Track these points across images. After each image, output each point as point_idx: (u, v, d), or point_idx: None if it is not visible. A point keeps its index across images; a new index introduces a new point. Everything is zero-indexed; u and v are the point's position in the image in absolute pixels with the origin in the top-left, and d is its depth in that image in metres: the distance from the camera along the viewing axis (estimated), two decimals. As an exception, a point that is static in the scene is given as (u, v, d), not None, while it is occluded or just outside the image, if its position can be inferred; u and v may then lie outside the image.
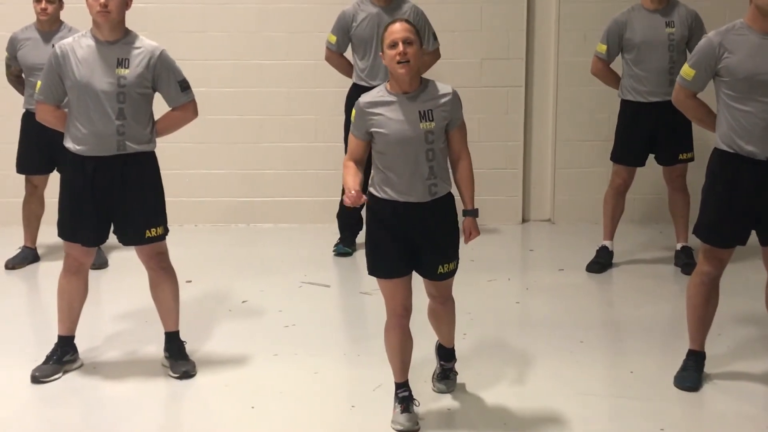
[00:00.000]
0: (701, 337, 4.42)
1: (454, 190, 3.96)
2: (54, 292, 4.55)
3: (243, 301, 5.57)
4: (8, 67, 6.07)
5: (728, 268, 4.35)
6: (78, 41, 4.31)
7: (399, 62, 3.75)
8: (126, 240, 4.48)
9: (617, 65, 6.05)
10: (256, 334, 5.05)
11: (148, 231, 4.40)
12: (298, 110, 7.15)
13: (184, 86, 4.43)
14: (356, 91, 5.83)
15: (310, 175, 7.19)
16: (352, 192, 3.69)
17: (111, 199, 4.35)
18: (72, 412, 4.28)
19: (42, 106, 4.41)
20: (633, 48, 5.86)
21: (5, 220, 6.84)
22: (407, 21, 3.86)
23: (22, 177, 6.21)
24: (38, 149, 5.93)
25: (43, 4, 5.83)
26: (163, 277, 4.53)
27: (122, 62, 4.26)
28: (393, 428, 3.96)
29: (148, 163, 4.42)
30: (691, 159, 5.99)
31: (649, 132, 5.91)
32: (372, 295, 5.45)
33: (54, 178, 5.65)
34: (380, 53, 3.88)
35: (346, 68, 6.35)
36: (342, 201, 6.48)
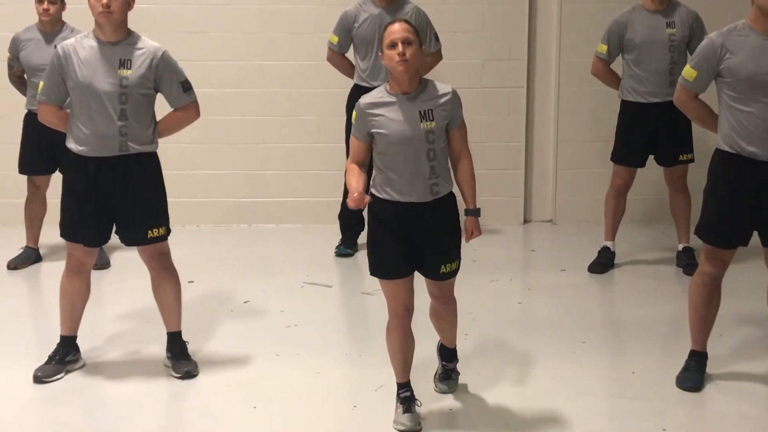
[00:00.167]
0: (703, 338, 4.42)
1: (455, 190, 3.96)
2: (56, 292, 4.56)
3: (245, 302, 5.57)
4: (10, 67, 6.08)
5: (730, 268, 4.35)
6: (80, 42, 4.32)
7: (398, 62, 3.76)
8: (128, 240, 4.49)
9: (617, 66, 6.05)
10: (257, 335, 5.06)
11: (150, 231, 4.41)
12: (300, 111, 7.15)
13: (186, 87, 4.44)
14: (357, 92, 5.83)
15: (312, 175, 7.19)
16: (356, 194, 3.69)
17: (113, 200, 4.35)
18: (74, 412, 4.29)
19: (44, 106, 4.42)
20: (633, 48, 5.86)
21: (7, 220, 6.84)
22: (406, 21, 3.86)
23: (24, 177, 6.21)
24: (40, 150, 5.93)
25: (45, 5, 5.84)
26: (165, 277, 4.53)
27: (124, 63, 4.26)
28: (395, 428, 3.96)
29: (150, 163, 4.42)
30: (691, 160, 5.99)
31: (649, 133, 5.91)
32: (374, 296, 5.46)
33: (56, 179, 5.65)
34: (380, 53, 3.88)
35: (348, 69, 6.35)
36: (344, 202, 6.53)
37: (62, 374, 4.49)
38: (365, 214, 3.82)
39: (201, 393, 4.40)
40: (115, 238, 4.54)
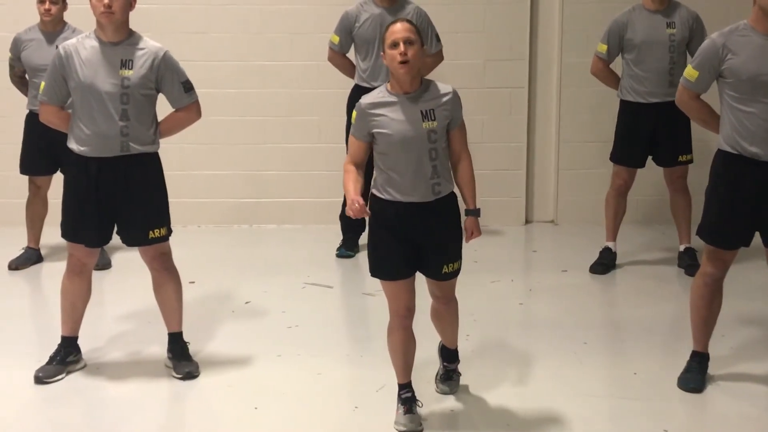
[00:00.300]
0: (705, 339, 4.41)
1: (455, 190, 3.96)
2: (57, 292, 4.56)
3: (246, 302, 5.57)
4: (12, 67, 6.08)
5: (731, 269, 4.35)
6: (82, 42, 4.32)
7: (400, 62, 3.75)
8: (129, 241, 4.49)
9: (616, 66, 6.05)
10: (259, 335, 5.05)
11: (151, 232, 4.41)
12: (301, 111, 7.16)
13: (188, 87, 4.44)
14: (357, 92, 5.83)
15: (313, 176, 7.19)
16: (356, 205, 3.68)
17: (114, 200, 4.35)
18: (75, 412, 4.29)
19: (46, 107, 4.42)
20: (633, 48, 5.86)
21: (8, 220, 6.84)
22: (408, 21, 3.86)
23: (26, 178, 6.22)
24: (41, 150, 5.93)
25: (46, 5, 5.84)
26: (166, 277, 4.53)
27: (126, 63, 4.26)
28: (396, 429, 3.96)
29: (152, 163, 4.42)
30: (690, 161, 5.99)
31: (648, 133, 5.91)
32: (375, 296, 5.45)
33: (57, 179, 5.65)
34: (381, 53, 3.88)
35: (349, 69, 6.35)
36: (345, 203, 6.51)
37: (63, 375, 4.49)
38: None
39: (202, 393, 4.40)
40: (116, 239, 4.55)
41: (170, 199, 4.55)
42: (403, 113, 3.82)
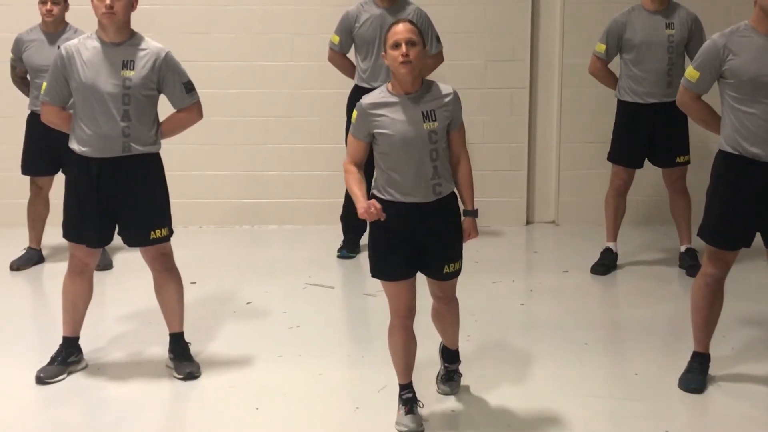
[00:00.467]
0: (706, 339, 4.41)
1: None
2: (59, 293, 4.56)
3: (247, 303, 5.58)
4: (13, 68, 6.08)
5: (732, 269, 4.35)
6: (83, 43, 4.32)
7: (402, 63, 3.76)
8: (131, 241, 4.49)
9: (614, 66, 6.05)
10: (260, 336, 5.06)
11: (152, 232, 4.41)
12: (302, 112, 7.16)
13: (189, 88, 4.44)
14: (357, 93, 5.84)
15: (314, 176, 7.19)
16: (372, 209, 3.67)
17: (116, 201, 4.36)
18: (76, 412, 4.29)
19: (47, 107, 4.42)
20: (632, 48, 5.86)
21: (10, 221, 6.85)
22: (410, 22, 3.86)
23: (27, 178, 6.22)
24: (43, 151, 5.93)
25: (48, 6, 5.84)
26: (167, 278, 4.53)
27: (127, 64, 4.27)
28: (397, 430, 3.96)
29: (153, 164, 4.43)
30: (688, 162, 5.99)
31: (646, 133, 5.91)
32: (376, 297, 5.45)
33: (59, 180, 5.66)
34: (382, 53, 3.88)
35: (349, 69, 6.35)
36: (345, 203, 6.54)
37: (64, 375, 4.50)
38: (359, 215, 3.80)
39: (203, 394, 4.40)
40: (117, 239, 4.55)
41: (171, 200, 4.55)
42: (404, 114, 3.82)
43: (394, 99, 3.85)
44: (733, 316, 5.01)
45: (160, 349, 4.73)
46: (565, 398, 4.28)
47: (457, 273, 4.01)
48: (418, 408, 4.01)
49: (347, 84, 6.34)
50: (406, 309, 3.92)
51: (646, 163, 6.07)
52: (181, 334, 4.61)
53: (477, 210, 3.98)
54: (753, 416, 4.14)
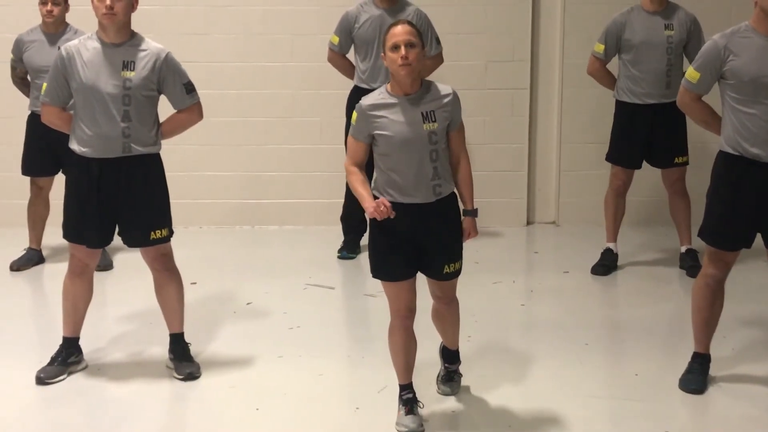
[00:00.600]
0: (706, 340, 4.41)
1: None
2: (59, 293, 4.56)
3: (247, 303, 5.58)
4: (14, 69, 6.08)
5: (733, 270, 4.35)
6: (84, 43, 4.32)
7: (401, 65, 3.75)
8: (131, 241, 4.49)
9: (613, 67, 6.04)
10: (260, 336, 5.06)
11: (153, 232, 4.41)
12: (302, 112, 7.16)
13: (190, 88, 4.44)
14: (357, 93, 5.84)
15: (315, 177, 7.19)
16: (382, 207, 3.67)
17: (116, 201, 4.36)
18: (76, 413, 4.29)
19: (47, 108, 4.42)
20: (631, 49, 5.86)
21: (10, 221, 6.85)
22: (409, 23, 3.85)
23: (28, 179, 6.22)
24: (43, 151, 5.93)
25: (49, 6, 5.84)
26: (167, 278, 4.53)
27: (128, 65, 4.27)
28: (397, 430, 3.96)
29: (154, 165, 4.43)
30: (687, 162, 5.99)
31: (644, 134, 5.91)
32: (376, 297, 5.45)
33: (59, 180, 5.66)
34: (382, 55, 3.88)
35: (349, 70, 6.35)
36: (346, 204, 6.53)
37: (65, 375, 4.50)
38: (367, 215, 3.81)
39: (203, 394, 4.40)
40: (117, 240, 4.55)
41: (172, 200, 4.55)
42: (404, 115, 3.82)
43: (394, 100, 3.84)
44: (733, 317, 5.01)
45: (160, 349, 4.73)
46: (565, 398, 4.28)
47: (457, 273, 4.01)
48: (419, 408, 4.01)
49: (347, 84, 6.34)
50: (406, 309, 3.92)
51: (646, 163, 6.07)
52: (182, 334, 4.61)
53: (477, 209, 3.98)
54: (753, 416, 4.14)
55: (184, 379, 4.49)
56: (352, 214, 6.37)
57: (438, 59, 6.22)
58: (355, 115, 3.89)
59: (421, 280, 3.98)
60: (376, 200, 3.72)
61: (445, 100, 3.87)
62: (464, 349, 4.44)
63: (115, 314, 5.36)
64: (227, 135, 7.14)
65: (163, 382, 4.50)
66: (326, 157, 7.07)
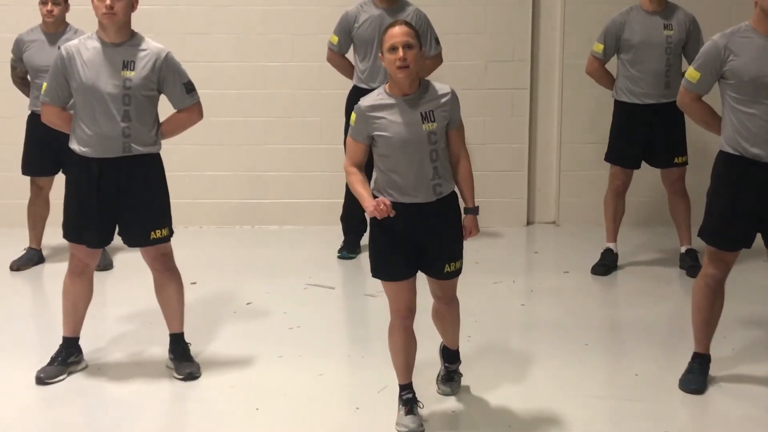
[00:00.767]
0: (706, 340, 4.41)
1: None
2: (59, 293, 4.56)
3: (248, 303, 5.58)
4: (14, 68, 6.08)
5: (733, 270, 4.35)
6: (84, 43, 4.32)
7: (399, 67, 3.75)
8: (131, 241, 4.49)
9: (612, 66, 6.04)
10: (260, 336, 5.06)
11: (153, 232, 4.41)
12: (302, 112, 7.16)
13: (190, 88, 4.44)
14: (356, 93, 5.84)
15: (315, 176, 7.20)
16: (382, 206, 3.67)
17: (116, 201, 4.36)
18: (76, 413, 4.29)
19: (47, 107, 4.42)
20: (630, 48, 5.86)
21: (10, 221, 6.85)
22: (407, 24, 3.84)
23: (28, 179, 6.22)
24: (43, 151, 5.93)
25: (49, 6, 5.84)
26: (167, 278, 4.53)
27: (128, 64, 4.27)
28: (397, 430, 3.96)
29: (154, 164, 4.43)
30: (686, 162, 5.99)
31: (643, 134, 5.91)
32: (376, 297, 5.45)
33: (59, 180, 5.66)
34: (380, 55, 3.87)
35: (348, 69, 6.35)
36: (346, 204, 6.53)
37: (65, 375, 4.50)
38: (367, 215, 3.81)
39: (203, 394, 4.40)
40: (118, 240, 4.55)
41: (172, 200, 4.55)
42: (403, 116, 3.82)
43: (392, 101, 3.84)
44: (733, 317, 5.01)
45: (160, 349, 4.73)
46: (565, 398, 4.28)
47: (457, 272, 4.00)
48: (419, 408, 4.01)
49: (347, 84, 6.34)
50: (406, 309, 3.92)
51: (646, 163, 6.06)
52: (182, 334, 4.61)
53: (478, 207, 3.97)
54: (753, 417, 4.14)
55: (184, 379, 4.49)
56: (352, 214, 6.37)
57: (437, 59, 6.22)
58: (353, 116, 3.89)
59: (422, 279, 3.98)
60: (376, 199, 3.72)
61: (444, 99, 3.87)
62: (464, 349, 4.44)
63: (115, 314, 5.37)
64: (227, 135, 7.14)
65: (163, 382, 4.50)
66: (326, 157, 7.07)
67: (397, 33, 3.77)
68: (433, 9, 6.42)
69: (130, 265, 5.85)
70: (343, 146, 6.28)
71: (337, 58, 6.34)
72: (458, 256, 3.98)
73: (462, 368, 4.38)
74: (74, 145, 4.34)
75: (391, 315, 3.96)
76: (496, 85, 7.13)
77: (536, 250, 7.02)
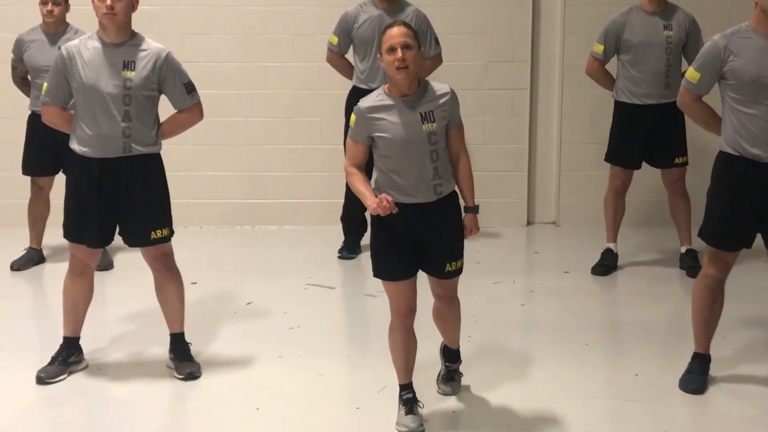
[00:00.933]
0: (706, 340, 4.41)
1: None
2: (59, 293, 4.56)
3: (248, 303, 5.58)
4: (14, 68, 6.09)
5: (733, 270, 4.35)
6: (84, 43, 4.32)
7: (398, 68, 3.74)
8: (131, 241, 4.49)
9: (612, 67, 6.05)
10: (260, 336, 5.06)
11: (153, 232, 4.41)
12: (303, 112, 7.16)
13: (190, 88, 4.44)
14: (356, 94, 5.84)
15: (315, 177, 7.20)
16: (385, 203, 3.66)
17: (116, 201, 4.36)
18: (76, 412, 4.29)
19: (48, 107, 4.43)
20: (630, 49, 5.86)
21: (11, 221, 6.86)
22: (405, 24, 3.83)
23: (28, 179, 6.22)
24: (44, 151, 5.94)
25: (49, 6, 5.84)
26: (168, 278, 4.53)
27: (128, 64, 4.27)
28: (397, 430, 3.96)
29: (154, 164, 4.43)
30: (686, 163, 5.99)
31: (643, 134, 5.91)
32: (377, 297, 5.45)
33: (60, 180, 5.66)
34: (378, 56, 3.87)
35: (347, 70, 6.35)
36: (346, 204, 6.53)
37: (65, 375, 4.50)
38: (367, 215, 3.81)
39: (204, 394, 4.40)
40: (118, 240, 4.55)
41: (172, 200, 4.55)
42: (403, 116, 3.81)
43: (392, 102, 3.83)
44: (733, 317, 5.01)
45: (160, 349, 4.73)
46: (565, 398, 4.28)
47: (458, 272, 4.01)
48: (419, 408, 4.01)
49: (347, 84, 6.34)
50: (406, 308, 3.93)
51: (646, 164, 6.07)
52: (182, 334, 4.61)
53: (478, 206, 3.98)
54: (753, 417, 4.14)
55: (185, 379, 4.49)
56: (352, 214, 6.37)
57: (437, 60, 6.22)
58: (353, 117, 3.89)
59: (422, 279, 3.98)
60: (379, 196, 3.72)
61: (443, 99, 3.87)
62: (464, 349, 4.44)
63: (116, 314, 5.37)
64: (227, 135, 7.14)
65: (164, 382, 4.50)
66: (326, 158, 7.07)
67: (396, 34, 3.77)
68: (433, 9, 6.42)
69: (131, 265, 5.85)
70: (342, 147, 6.29)
71: (337, 58, 6.34)
72: (459, 255, 3.98)
73: (462, 368, 4.38)
74: (74, 145, 4.34)
75: (391, 314, 3.97)
76: (496, 86, 7.13)
77: (536, 250, 7.02)
